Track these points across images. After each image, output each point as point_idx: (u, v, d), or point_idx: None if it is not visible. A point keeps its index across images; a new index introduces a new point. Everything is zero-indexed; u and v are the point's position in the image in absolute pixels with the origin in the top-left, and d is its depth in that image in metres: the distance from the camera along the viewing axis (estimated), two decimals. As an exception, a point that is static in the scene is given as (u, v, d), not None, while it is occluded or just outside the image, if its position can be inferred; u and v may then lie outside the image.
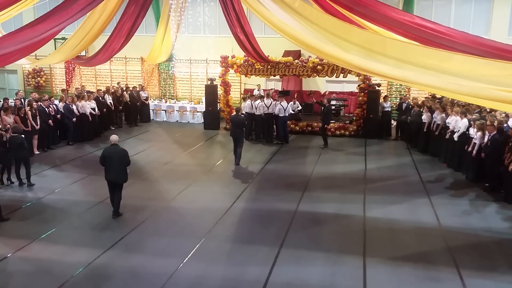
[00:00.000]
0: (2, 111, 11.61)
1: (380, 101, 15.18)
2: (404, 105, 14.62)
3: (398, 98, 16.92)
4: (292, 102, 15.11)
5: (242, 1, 11.19)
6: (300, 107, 15.86)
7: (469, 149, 10.27)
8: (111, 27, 13.77)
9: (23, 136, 9.92)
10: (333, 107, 16.08)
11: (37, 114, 12.49)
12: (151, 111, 18.30)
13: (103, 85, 18.70)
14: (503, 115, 10.42)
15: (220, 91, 16.53)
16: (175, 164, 12.04)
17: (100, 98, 15.49)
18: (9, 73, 21.90)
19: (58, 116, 13.64)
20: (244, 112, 13.98)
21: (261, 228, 7.89)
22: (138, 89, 17.46)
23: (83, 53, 18.16)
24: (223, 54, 15.95)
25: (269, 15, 9.80)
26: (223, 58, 15.88)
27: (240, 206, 8.93)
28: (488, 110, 11.41)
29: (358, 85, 15.39)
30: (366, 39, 8.16)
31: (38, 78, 21.07)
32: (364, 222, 8.15)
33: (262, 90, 16.52)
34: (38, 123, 12.43)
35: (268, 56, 14.93)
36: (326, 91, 17.59)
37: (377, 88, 15.13)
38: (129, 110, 17.21)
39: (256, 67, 15.47)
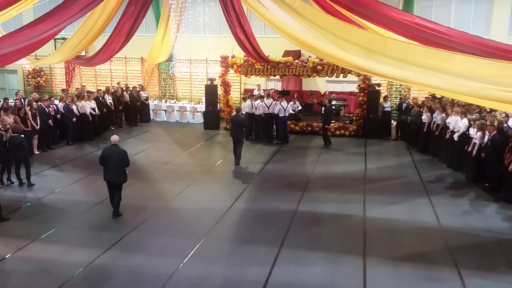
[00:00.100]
0: (2, 111, 11.61)
1: (380, 101, 15.18)
2: (404, 105, 14.62)
3: (398, 98, 16.93)
4: (292, 102, 15.12)
5: (242, 1, 11.18)
6: (300, 107, 15.88)
7: (469, 149, 10.27)
8: (111, 27, 13.78)
9: (23, 136, 9.91)
10: (333, 107, 16.07)
11: (37, 114, 12.49)
12: (151, 111, 18.31)
13: (103, 85, 18.69)
14: (503, 115, 10.42)
15: (220, 91, 16.53)
16: (175, 164, 12.03)
17: (100, 98, 15.49)
18: (9, 73, 21.90)
19: (58, 116, 13.64)
20: (244, 112, 13.98)
21: (261, 228, 7.89)
22: (138, 89, 17.47)
23: (83, 53, 18.16)
24: (223, 54, 15.95)
25: (269, 15, 9.80)
26: (223, 58, 15.88)
27: (240, 206, 8.92)
28: (488, 110, 11.41)
29: (358, 85, 15.39)
30: (366, 39, 8.17)
31: (38, 78, 21.08)
32: (364, 222, 8.15)
33: (262, 90, 16.53)
34: (38, 123, 12.42)
35: (268, 56, 14.93)
36: (326, 91, 17.59)
37: (377, 88, 15.13)
38: (129, 110, 17.21)
39: (256, 67, 15.47)
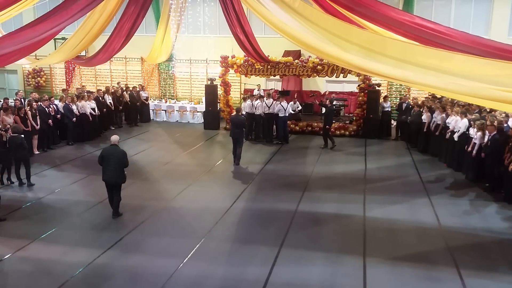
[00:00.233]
0: (2, 111, 11.60)
1: (380, 101, 15.18)
2: (404, 105, 14.63)
3: (398, 98, 16.92)
4: (292, 102, 15.11)
5: (242, 1, 11.18)
6: (300, 107, 15.87)
7: (469, 149, 10.26)
8: (111, 27, 13.77)
9: (23, 136, 9.91)
10: (334, 107, 16.08)
11: (37, 114, 12.49)
12: (151, 111, 18.31)
13: (103, 85, 18.68)
14: (503, 115, 10.42)
15: (220, 91, 16.53)
16: (175, 164, 12.03)
17: (100, 98, 15.49)
18: (9, 73, 21.90)
19: (58, 116, 13.65)
20: (244, 112, 13.98)
21: (261, 228, 7.89)
22: (138, 89, 17.47)
23: (83, 53, 18.15)
24: (223, 54, 15.95)
25: (269, 15, 9.80)
26: (223, 58, 15.88)
27: (240, 206, 8.92)
28: (488, 110, 11.41)
29: (358, 85, 15.39)
30: (366, 39, 8.16)
31: (38, 78, 21.08)
32: (364, 222, 8.15)
33: (262, 90, 16.53)
34: (38, 123, 12.42)
35: (268, 56, 14.93)
36: (326, 91, 17.59)
37: (377, 88, 15.13)
38: (129, 110, 17.21)
39: (256, 67, 15.47)
